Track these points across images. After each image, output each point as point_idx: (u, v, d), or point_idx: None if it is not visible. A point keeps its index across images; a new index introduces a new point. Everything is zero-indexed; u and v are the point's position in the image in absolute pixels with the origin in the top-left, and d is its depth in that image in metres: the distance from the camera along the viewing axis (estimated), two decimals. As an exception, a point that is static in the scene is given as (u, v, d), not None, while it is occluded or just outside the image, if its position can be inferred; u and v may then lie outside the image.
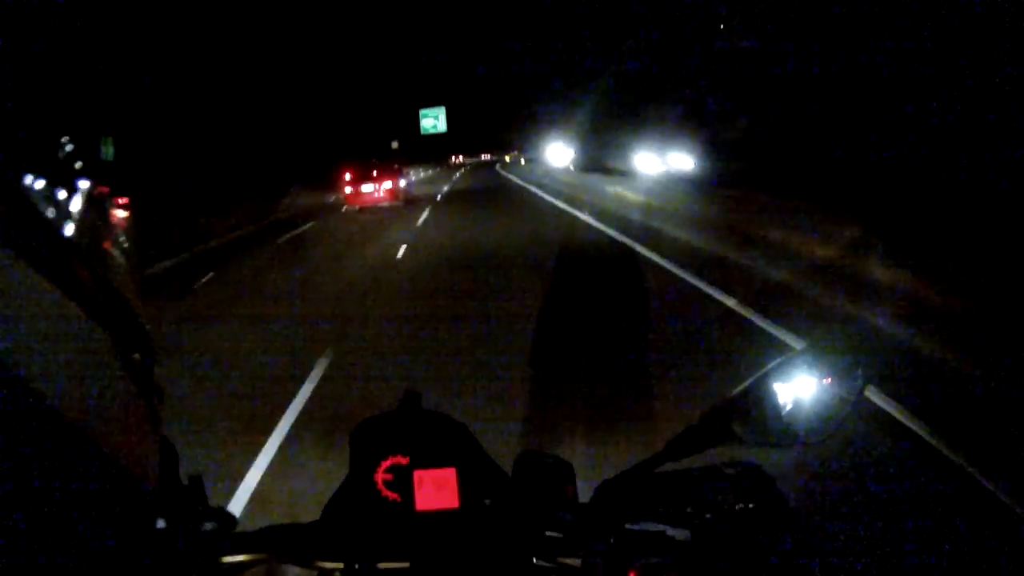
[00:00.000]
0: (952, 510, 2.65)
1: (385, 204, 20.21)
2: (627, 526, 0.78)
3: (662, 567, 0.74)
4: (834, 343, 0.82)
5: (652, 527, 0.77)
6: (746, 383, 0.79)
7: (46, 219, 0.57)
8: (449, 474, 0.80)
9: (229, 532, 0.83)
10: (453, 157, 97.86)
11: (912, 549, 2.44)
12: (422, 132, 60.57)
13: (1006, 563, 2.33)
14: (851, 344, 0.81)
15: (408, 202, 21.26)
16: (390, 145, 44.81)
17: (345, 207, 20.80)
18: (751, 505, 0.74)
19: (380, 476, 0.81)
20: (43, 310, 0.47)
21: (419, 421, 0.86)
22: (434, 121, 61.89)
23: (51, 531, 0.43)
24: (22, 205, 0.52)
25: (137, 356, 0.61)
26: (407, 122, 60.42)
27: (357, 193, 20.32)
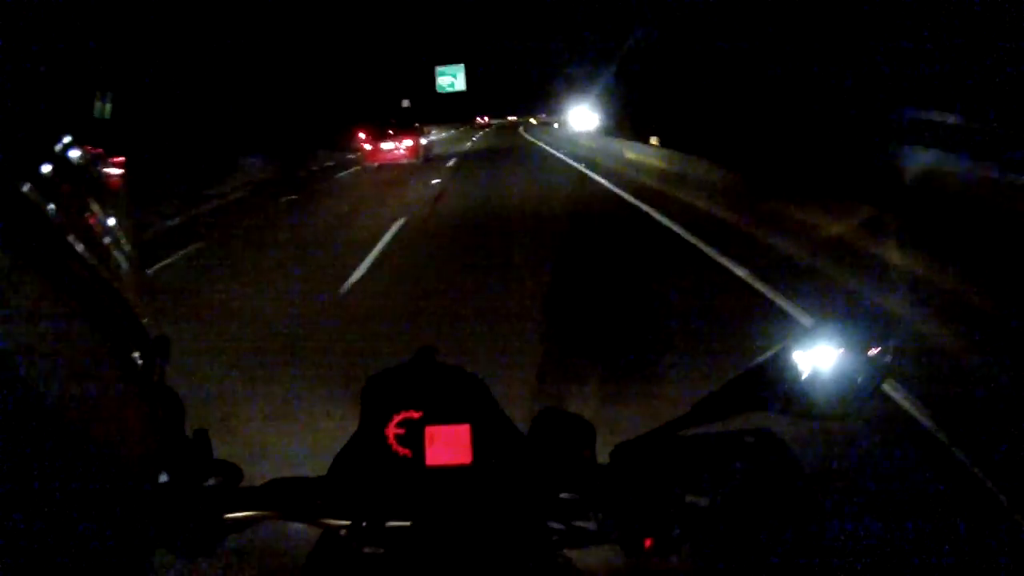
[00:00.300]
0: (952, 510, 2.65)
1: (404, 162, 19.96)
2: (645, 491, 0.76)
3: (679, 533, 0.73)
4: (861, 314, 0.79)
5: (669, 493, 0.75)
6: (771, 351, 0.77)
7: (46, 220, 0.57)
8: (462, 430, 0.78)
9: (234, 487, 0.80)
10: (479, 118, 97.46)
11: (912, 549, 2.45)
12: (438, 90, 55.86)
13: (1006, 563, 2.33)
14: (877, 316, 0.78)
15: (428, 160, 21.10)
16: (400, 104, 41.09)
17: (365, 163, 20.56)
18: (769, 474, 0.73)
19: (391, 431, 0.79)
20: (43, 310, 0.47)
21: (433, 375, 0.84)
22: (451, 79, 57.12)
23: (51, 531, 0.43)
24: (22, 205, 0.52)
25: (137, 356, 0.61)
26: (426, 80, 56.81)
27: (376, 150, 20.15)
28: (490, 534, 0.76)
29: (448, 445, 0.78)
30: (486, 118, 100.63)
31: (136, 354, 0.61)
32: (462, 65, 57.69)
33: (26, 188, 0.57)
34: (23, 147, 0.60)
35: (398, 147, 20.17)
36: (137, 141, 13.23)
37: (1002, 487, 2.70)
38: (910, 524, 2.57)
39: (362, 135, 20.82)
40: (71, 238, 0.60)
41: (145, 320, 0.69)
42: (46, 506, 0.43)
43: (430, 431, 0.79)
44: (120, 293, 0.63)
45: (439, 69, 56.95)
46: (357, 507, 0.77)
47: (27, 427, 0.41)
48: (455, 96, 57.41)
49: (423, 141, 21.67)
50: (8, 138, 0.59)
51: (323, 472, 0.82)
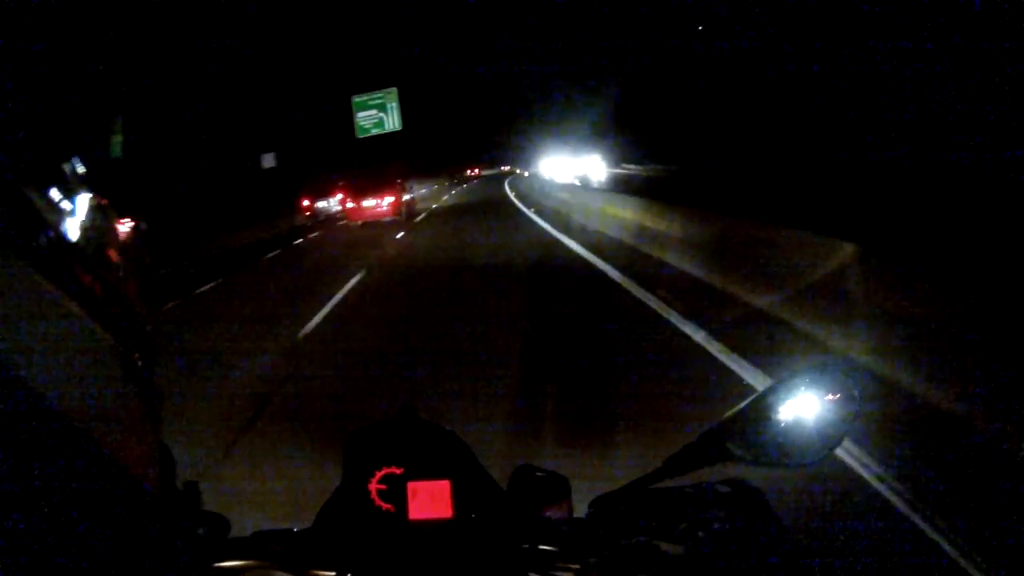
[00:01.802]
0: (952, 511, 2.65)
1: (387, 220, 19.82)
2: (621, 542, 0.79)
3: None
4: (831, 363, 0.83)
5: (645, 543, 0.78)
6: (744, 403, 0.80)
7: (47, 220, 0.57)
8: (443, 486, 0.80)
9: (223, 537, 0.83)
10: (469, 169, 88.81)
11: (911, 549, 2.45)
12: (358, 134, 37.15)
13: (1006, 563, 2.33)
14: (847, 364, 0.82)
15: (410, 216, 20.95)
16: (260, 162, 31.13)
17: (349, 221, 20.68)
18: (743, 523, 0.75)
19: (374, 486, 0.81)
20: (43, 310, 0.47)
21: (414, 432, 0.86)
22: (378, 115, 36.89)
23: (51, 531, 0.43)
24: (22, 206, 0.52)
25: (137, 356, 0.61)
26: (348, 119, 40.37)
27: (358, 208, 20.04)
28: None
29: (430, 500, 0.81)
30: (477, 170, 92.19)
31: (136, 354, 0.61)
32: (394, 90, 36.13)
33: (27, 188, 0.57)
34: (28, 150, 0.60)
35: (379, 204, 19.95)
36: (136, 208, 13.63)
37: (1002, 488, 2.70)
38: (909, 524, 2.58)
39: (306, 202, 21.05)
40: (72, 238, 0.60)
41: (149, 327, 0.69)
42: (46, 506, 0.43)
43: (412, 486, 0.81)
44: (120, 294, 0.63)
45: (357, 100, 36.26)
46: (342, 559, 0.79)
47: (27, 427, 0.41)
48: (383, 143, 38.44)
49: (406, 197, 21.39)
50: (11, 141, 0.59)
51: (307, 525, 0.85)
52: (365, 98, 36.93)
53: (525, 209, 20.35)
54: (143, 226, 13.98)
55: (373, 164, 26.02)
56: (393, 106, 36.47)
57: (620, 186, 24.69)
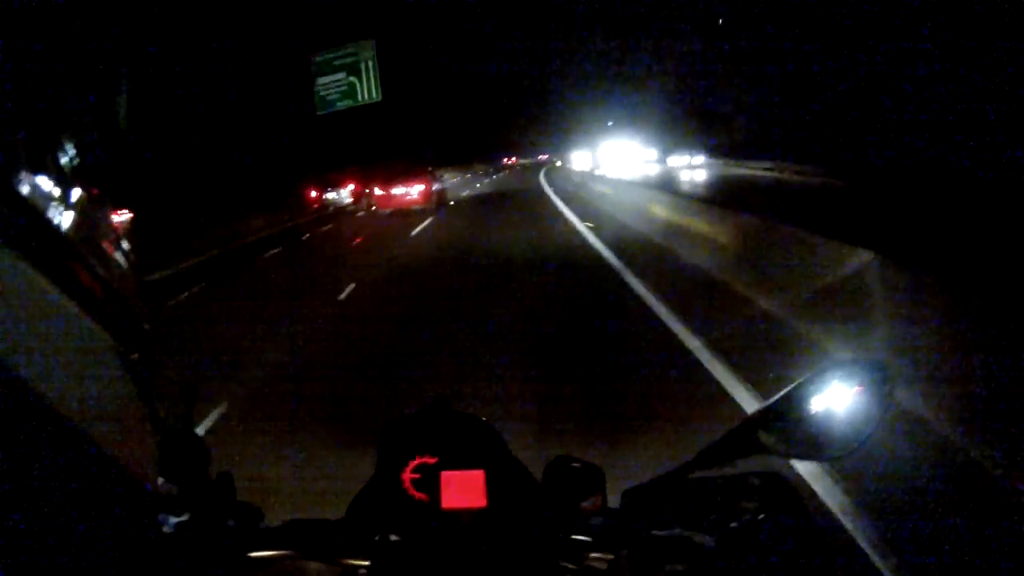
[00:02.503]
0: (952, 510, 2.65)
1: (416, 208, 19.57)
2: (653, 532, 0.79)
3: (687, 573, 0.75)
4: (863, 358, 0.83)
5: (677, 534, 0.78)
6: (777, 395, 0.80)
7: (46, 219, 0.57)
8: (477, 476, 0.81)
9: (255, 527, 0.84)
10: (506, 158, 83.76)
11: (912, 549, 2.45)
12: (319, 110, 26.11)
13: (1006, 563, 2.33)
14: (878, 356, 0.82)
15: (440, 206, 20.78)
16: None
17: (375, 207, 20.68)
18: (775, 515, 0.76)
19: (407, 475, 0.82)
20: (43, 310, 0.47)
21: (448, 422, 0.86)
22: (347, 80, 25.32)
23: (51, 531, 0.43)
24: (22, 205, 0.52)
25: (137, 356, 0.61)
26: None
27: (387, 196, 19.95)
28: (506, 574, 0.79)
29: (463, 490, 0.81)
30: (514, 158, 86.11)
31: (136, 354, 0.61)
32: (370, 44, 24.36)
33: (26, 188, 0.57)
34: (25, 148, 0.60)
35: (409, 192, 19.77)
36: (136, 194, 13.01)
37: (1002, 487, 2.70)
38: (910, 524, 2.58)
39: (313, 193, 20.47)
40: (72, 238, 0.60)
41: (146, 326, 0.69)
42: (46, 506, 0.43)
43: (446, 476, 0.82)
44: (120, 293, 0.63)
45: (320, 59, 24.96)
46: (375, 548, 0.79)
47: (27, 427, 0.41)
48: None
49: (435, 186, 20.93)
50: (9, 138, 0.59)
51: (341, 515, 0.86)
52: (329, 56, 24.43)
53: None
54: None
55: (338, 155, 24.53)
56: (369, 65, 23.70)
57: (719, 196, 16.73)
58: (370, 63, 25.35)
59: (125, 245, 0.80)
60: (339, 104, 25.82)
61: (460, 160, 52.72)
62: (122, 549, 0.51)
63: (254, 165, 25.06)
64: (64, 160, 0.69)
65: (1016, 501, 2.67)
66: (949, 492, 2.83)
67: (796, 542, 0.74)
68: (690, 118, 41.27)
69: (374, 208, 21.26)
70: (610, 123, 49.77)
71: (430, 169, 21.34)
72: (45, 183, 0.62)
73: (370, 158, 26.32)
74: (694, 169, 31.58)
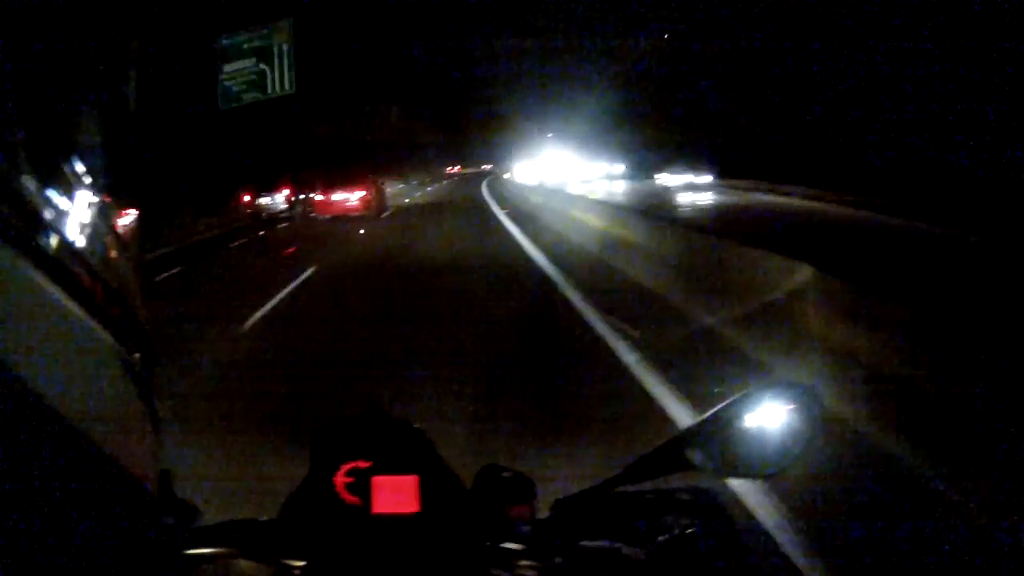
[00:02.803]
0: (952, 510, 2.65)
1: (356, 215, 18.91)
2: (582, 543, 0.80)
3: None
4: (794, 381, 0.86)
5: (607, 545, 0.79)
6: (707, 414, 0.81)
7: (46, 220, 0.57)
8: (410, 481, 0.81)
9: (192, 525, 0.84)
10: (449, 167, 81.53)
11: (912, 549, 2.45)
12: (222, 104, 19.31)
13: (1006, 563, 2.33)
14: (808, 382, 0.85)
15: (382, 213, 20.20)
16: None
17: (317, 215, 19.87)
18: (702, 529, 0.77)
19: (340, 479, 0.81)
20: (43, 310, 0.47)
21: (382, 427, 0.86)
22: (256, 68, 18.99)
23: (51, 531, 0.43)
24: (22, 205, 0.52)
25: (137, 356, 0.61)
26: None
27: (327, 202, 19.33)
28: None
29: (396, 494, 0.81)
30: (457, 167, 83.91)
31: (136, 354, 0.61)
32: (286, 25, 19.59)
33: (27, 189, 0.57)
34: (25, 148, 0.60)
35: (349, 198, 19.17)
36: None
37: (1002, 487, 2.70)
38: (910, 524, 2.58)
39: (247, 197, 19.36)
40: (72, 238, 0.60)
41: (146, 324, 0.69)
42: (46, 506, 0.43)
43: (378, 480, 0.81)
44: (120, 293, 0.63)
45: (226, 42, 20.18)
46: (311, 548, 0.80)
47: (27, 427, 0.41)
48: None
49: (377, 194, 20.43)
50: (10, 140, 0.59)
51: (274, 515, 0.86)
52: (240, 40, 20.23)
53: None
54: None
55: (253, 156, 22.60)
56: (284, 50, 19.49)
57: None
58: (284, 47, 19.65)
59: (128, 244, 0.80)
60: (245, 97, 20.15)
61: (397, 167, 48.67)
62: (122, 549, 0.51)
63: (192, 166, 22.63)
64: (69, 167, 0.69)
65: (943, 503, 2.68)
66: (877, 496, 2.85)
67: (724, 556, 0.77)
68: (666, 122, 35.05)
69: (312, 214, 20.49)
70: (550, 134, 46.85)
71: (371, 176, 20.70)
72: (49, 186, 0.62)
73: (307, 161, 25.36)
74: (698, 192, 24.59)
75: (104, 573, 0.49)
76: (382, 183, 23.11)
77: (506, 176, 45.65)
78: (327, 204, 19.51)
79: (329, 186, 19.64)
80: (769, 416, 0.79)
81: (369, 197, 19.48)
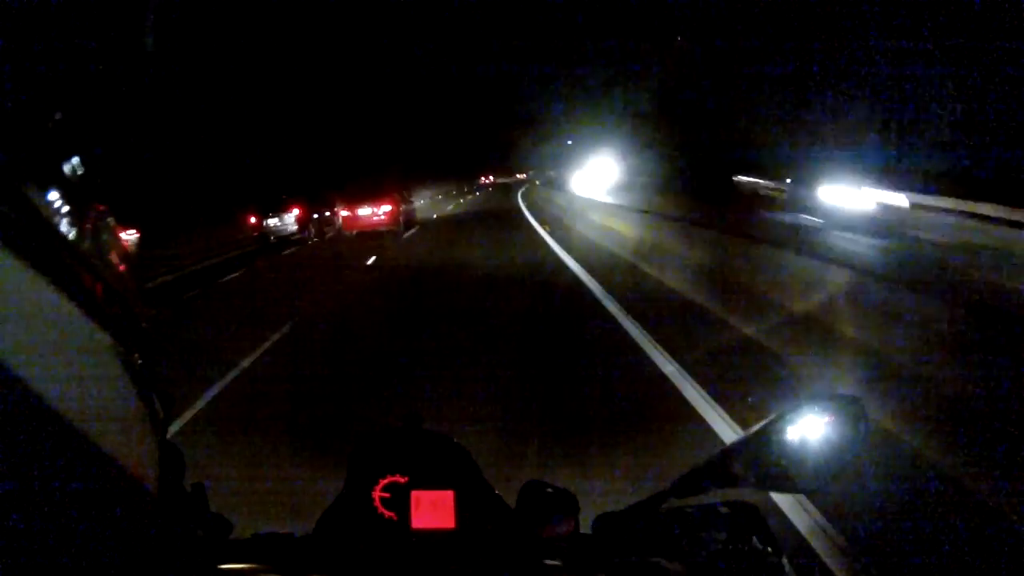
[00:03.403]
0: (952, 510, 2.65)
1: (383, 229, 18.62)
2: (624, 559, 0.79)
3: None
4: (836, 393, 0.84)
5: (648, 562, 0.78)
6: (751, 429, 0.80)
7: (47, 221, 0.57)
8: (447, 496, 0.80)
9: (225, 539, 0.84)
10: (482, 177, 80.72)
11: (912, 549, 2.44)
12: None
13: (1006, 563, 2.33)
14: (852, 394, 0.83)
15: (409, 227, 19.72)
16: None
17: (343, 232, 19.38)
18: (744, 544, 0.76)
19: (377, 494, 0.81)
20: (43, 310, 0.47)
21: (420, 441, 0.86)
22: None
23: (51, 531, 0.43)
24: (23, 206, 0.52)
25: (137, 356, 0.61)
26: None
27: (354, 217, 19.03)
28: None
29: (433, 510, 0.81)
30: (491, 177, 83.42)
31: (136, 354, 0.61)
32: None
33: (27, 189, 0.57)
34: (26, 149, 0.60)
35: (376, 212, 18.79)
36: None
37: (1001, 488, 2.70)
38: (910, 524, 2.58)
39: (253, 219, 18.21)
40: (72, 238, 0.60)
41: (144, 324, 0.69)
42: (46, 506, 0.43)
43: (416, 495, 0.81)
44: (120, 294, 0.63)
45: None
46: (343, 565, 0.79)
47: (27, 427, 0.41)
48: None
49: (405, 207, 20.00)
50: (9, 139, 0.59)
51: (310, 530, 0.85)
52: None
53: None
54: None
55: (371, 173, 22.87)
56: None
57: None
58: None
59: (127, 256, 0.80)
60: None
61: (431, 178, 47.50)
62: (122, 549, 0.51)
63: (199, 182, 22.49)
64: (70, 169, 0.69)
65: (999, 524, 2.60)
66: (921, 509, 2.77)
67: (765, 572, 0.75)
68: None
69: (329, 235, 19.95)
70: (569, 141, 44.96)
71: (399, 188, 20.16)
72: (51, 191, 0.62)
73: (326, 176, 24.50)
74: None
75: (104, 573, 0.49)
76: (409, 196, 22.40)
77: (538, 183, 43.24)
78: (353, 220, 19.18)
79: (355, 201, 19.28)
80: (813, 429, 0.77)
81: (396, 211, 19.04)
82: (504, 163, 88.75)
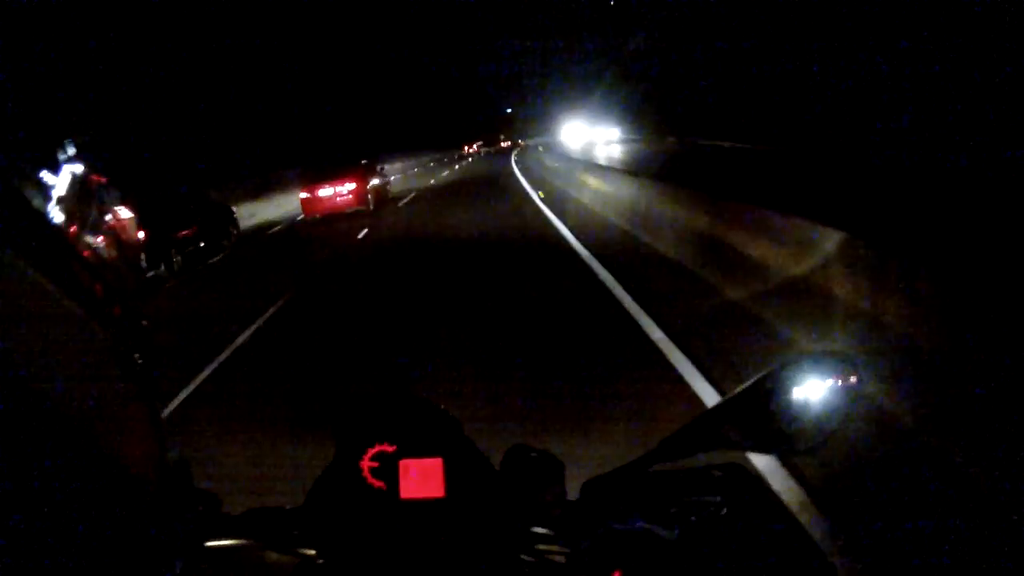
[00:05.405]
0: (952, 510, 2.65)
1: (349, 210, 16.71)
2: (613, 525, 0.78)
3: (647, 566, 0.75)
4: (830, 350, 0.82)
5: (638, 526, 0.77)
6: (741, 387, 0.79)
7: (47, 220, 0.57)
8: (436, 464, 0.79)
9: (214, 516, 0.83)
10: (466, 146, 77.74)
11: (912, 549, 2.44)
12: None
13: (1006, 563, 2.32)
14: (846, 350, 0.81)
15: (380, 206, 17.59)
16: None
17: (305, 217, 17.13)
18: (737, 508, 0.75)
19: (366, 463, 0.80)
20: (43, 310, 0.47)
21: (407, 409, 0.85)
22: None
23: (51, 531, 0.43)
24: (22, 205, 0.52)
25: (137, 356, 0.61)
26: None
27: (314, 199, 16.89)
28: (463, 566, 0.78)
29: (422, 478, 0.80)
30: (475, 146, 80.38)
31: (136, 354, 0.61)
32: None
33: (28, 188, 0.57)
34: (25, 147, 0.60)
35: (339, 193, 16.72)
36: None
37: (1002, 487, 2.70)
38: (909, 524, 2.58)
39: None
40: (73, 238, 0.60)
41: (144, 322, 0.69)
42: (46, 506, 0.43)
43: (404, 464, 0.80)
44: (120, 294, 0.63)
45: None
46: (333, 537, 0.78)
47: (27, 427, 0.41)
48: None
49: (375, 182, 17.92)
50: (10, 138, 0.59)
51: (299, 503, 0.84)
52: None
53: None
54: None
55: None
56: None
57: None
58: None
59: (125, 243, 0.80)
60: None
61: (410, 149, 46.47)
62: (122, 549, 0.51)
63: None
64: (63, 153, 0.69)
65: (978, 493, 2.66)
66: (910, 482, 2.84)
67: (758, 535, 0.74)
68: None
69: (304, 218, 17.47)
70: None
71: (364, 162, 17.85)
72: (44, 174, 0.62)
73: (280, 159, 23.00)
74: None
75: (105, 573, 0.49)
76: (381, 169, 19.99)
77: (521, 143, 51.83)
78: (314, 202, 17.03)
79: (314, 181, 17.00)
80: (805, 389, 0.75)
81: (362, 188, 16.92)
82: (484, 131, 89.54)
